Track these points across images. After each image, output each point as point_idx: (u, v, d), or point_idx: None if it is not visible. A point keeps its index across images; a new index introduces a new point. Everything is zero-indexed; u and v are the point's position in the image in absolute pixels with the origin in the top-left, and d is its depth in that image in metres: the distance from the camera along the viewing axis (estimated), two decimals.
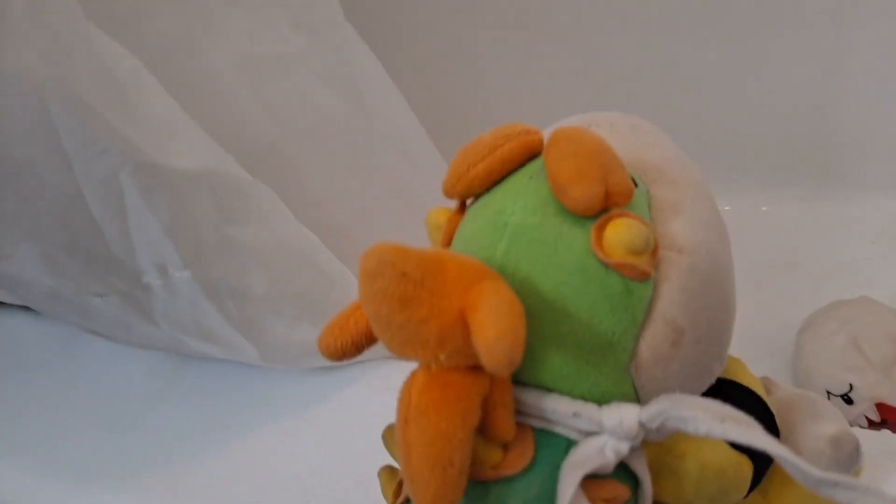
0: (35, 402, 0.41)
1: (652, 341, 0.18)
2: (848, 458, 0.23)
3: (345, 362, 0.18)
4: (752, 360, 0.60)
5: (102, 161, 0.23)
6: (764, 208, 0.83)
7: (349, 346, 0.17)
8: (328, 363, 0.36)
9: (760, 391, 0.23)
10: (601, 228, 0.17)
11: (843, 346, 0.67)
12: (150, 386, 0.39)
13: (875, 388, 0.59)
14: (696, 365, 0.19)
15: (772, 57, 0.72)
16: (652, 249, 0.17)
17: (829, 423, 0.24)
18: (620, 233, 0.17)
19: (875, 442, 0.28)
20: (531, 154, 0.19)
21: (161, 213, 0.25)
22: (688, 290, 0.18)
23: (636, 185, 0.19)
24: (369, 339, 0.17)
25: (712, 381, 0.20)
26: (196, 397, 0.39)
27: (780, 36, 0.70)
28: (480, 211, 0.19)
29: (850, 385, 0.62)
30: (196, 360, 0.39)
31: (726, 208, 0.74)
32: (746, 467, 0.21)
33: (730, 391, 0.23)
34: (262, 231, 0.29)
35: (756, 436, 0.16)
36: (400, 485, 0.21)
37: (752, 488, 0.22)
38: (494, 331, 0.14)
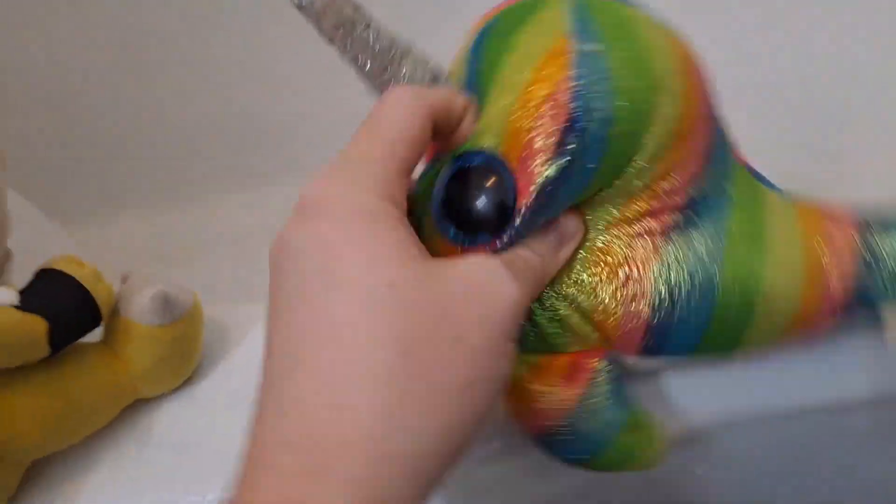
0: None
1: None
2: (162, 305, 0.31)
3: None
4: None
5: None
6: None
7: None
8: None
9: (80, 273, 0.30)
10: None
11: None
12: None
13: None
14: None
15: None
16: None
17: (151, 287, 0.32)
18: None
19: None
20: None
21: None
22: None
23: None
24: None
25: None
26: None
27: None
28: None
29: None
30: None
31: None
32: (35, 324, 0.28)
33: (49, 275, 0.30)
34: None
35: None
36: None
37: (61, 345, 0.29)
38: None
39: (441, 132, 0.22)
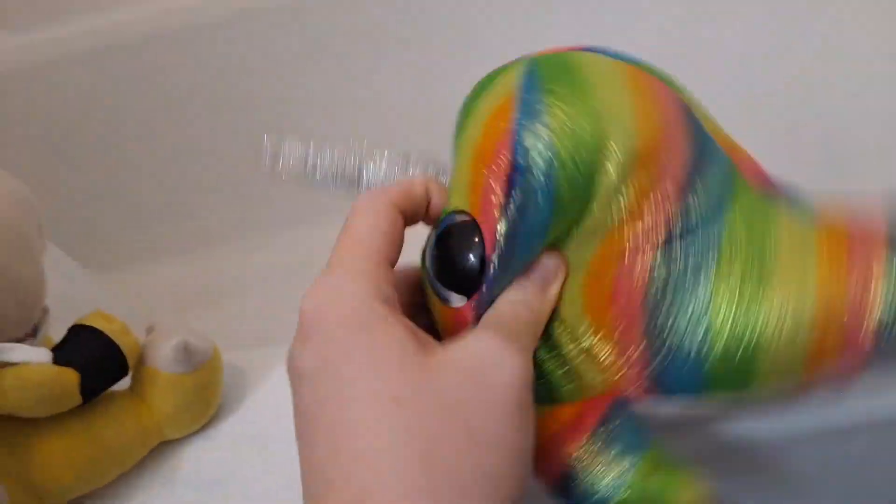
0: None
1: None
2: (183, 354, 0.33)
3: None
4: None
5: None
6: None
7: None
8: None
9: (109, 328, 0.33)
10: None
11: None
12: None
13: None
14: None
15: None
16: None
17: (172, 337, 0.34)
18: None
19: None
20: None
21: None
22: None
23: None
24: None
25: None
26: None
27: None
28: None
29: None
30: None
31: None
32: (68, 377, 0.30)
33: (79, 331, 0.32)
34: None
35: None
36: None
37: (92, 394, 0.31)
38: None
39: (417, 214, 0.24)
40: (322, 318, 0.20)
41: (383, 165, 0.29)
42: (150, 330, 0.36)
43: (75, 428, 0.32)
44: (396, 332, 0.20)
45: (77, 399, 0.31)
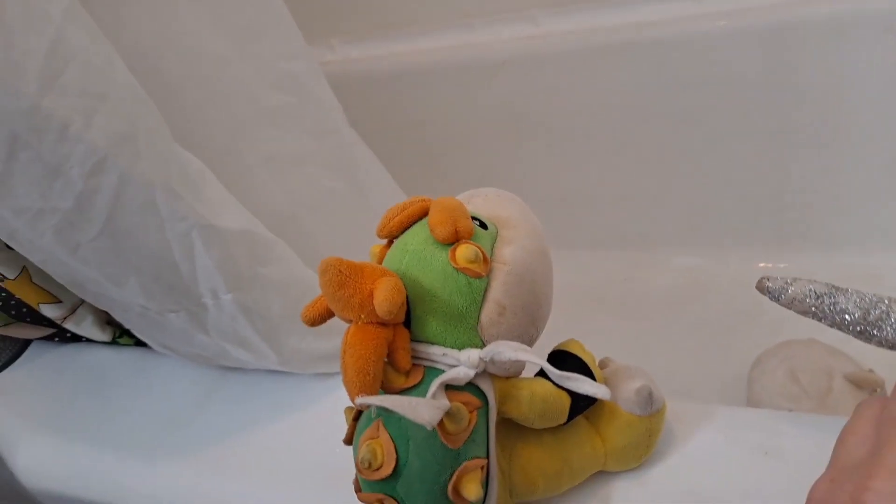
0: (115, 407, 0.55)
1: (487, 313, 0.32)
2: (646, 399, 0.36)
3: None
4: (715, 391, 0.77)
5: (182, 224, 0.38)
6: (731, 265, 0.96)
7: (317, 316, 0.31)
8: (331, 369, 0.50)
9: (585, 357, 0.36)
10: (454, 250, 0.31)
11: (784, 378, 0.79)
12: (196, 394, 0.54)
13: None
14: (517, 328, 0.32)
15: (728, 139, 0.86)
16: (482, 261, 0.31)
17: (636, 380, 0.37)
18: (463, 252, 0.31)
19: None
20: (424, 212, 0.34)
21: (214, 256, 0.40)
22: (506, 284, 0.32)
23: (486, 227, 0.34)
24: (329, 311, 0.31)
25: (531, 340, 0.34)
26: (231, 401, 0.53)
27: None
28: (396, 244, 0.34)
29: (789, 410, 0.72)
30: (230, 373, 0.54)
31: (696, 261, 0.90)
32: (565, 399, 0.34)
33: (563, 356, 0.36)
34: (280, 270, 0.44)
35: (535, 357, 0.30)
36: (352, 410, 0.34)
37: (572, 417, 0.35)
38: (380, 296, 0.28)
39: None
40: None
41: None
42: (604, 365, 0.39)
43: (550, 443, 0.35)
44: None
45: (564, 419, 0.35)
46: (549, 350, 0.37)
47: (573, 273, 1.02)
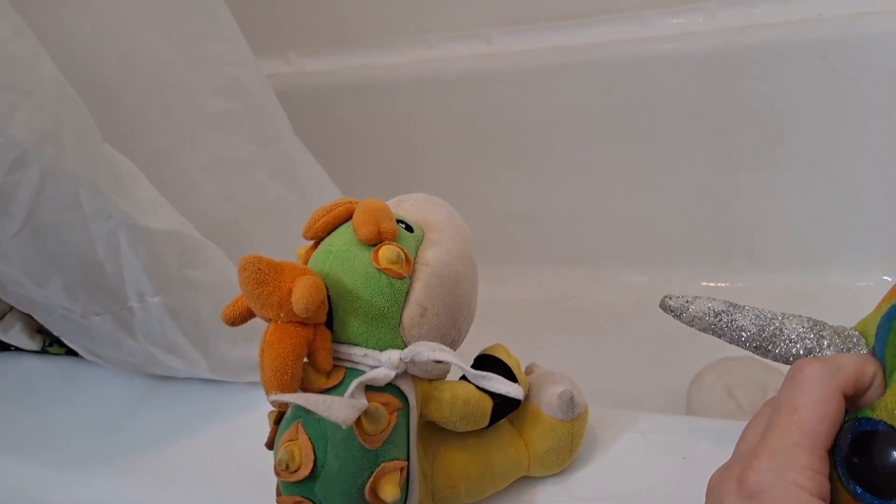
0: (43, 415, 0.54)
1: (409, 314, 0.32)
2: (568, 404, 0.36)
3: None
4: (660, 404, 0.78)
5: (107, 223, 0.38)
6: (675, 283, 0.98)
7: (238, 315, 0.31)
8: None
9: (510, 361, 0.36)
10: (377, 251, 0.32)
11: (721, 394, 0.80)
12: (128, 400, 0.53)
13: None
14: (438, 329, 0.33)
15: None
16: (404, 262, 0.32)
17: (559, 385, 0.37)
18: (385, 253, 0.31)
19: None
20: (350, 214, 0.34)
21: (141, 257, 0.39)
22: (428, 286, 0.32)
23: (412, 230, 0.34)
24: (249, 311, 0.31)
25: (453, 342, 0.34)
26: (164, 408, 0.52)
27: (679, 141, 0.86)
28: (321, 245, 0.34)
29: None
30: (162, 381, 0.53)
31: (643, 279, 0.92)
32: (486, 402, 0.34)
33: (488, 359, 0.37)
34: (210, 273, 0.43)
35: (453, 358, 0.30)
36: (274, 414, 0.34)
37: (494, 420, 0.35)
38: (298, 294, 0.28)
39: (853, 399, 0.24)
40: (764, 496, 0.22)
41: (800, 332, 0.30)
42: (529, 370, 0.40)
43: (473, 446, 0.36)
44: None
45: (486, 422, 0.35)
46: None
47: (525, 288, 1.03)
